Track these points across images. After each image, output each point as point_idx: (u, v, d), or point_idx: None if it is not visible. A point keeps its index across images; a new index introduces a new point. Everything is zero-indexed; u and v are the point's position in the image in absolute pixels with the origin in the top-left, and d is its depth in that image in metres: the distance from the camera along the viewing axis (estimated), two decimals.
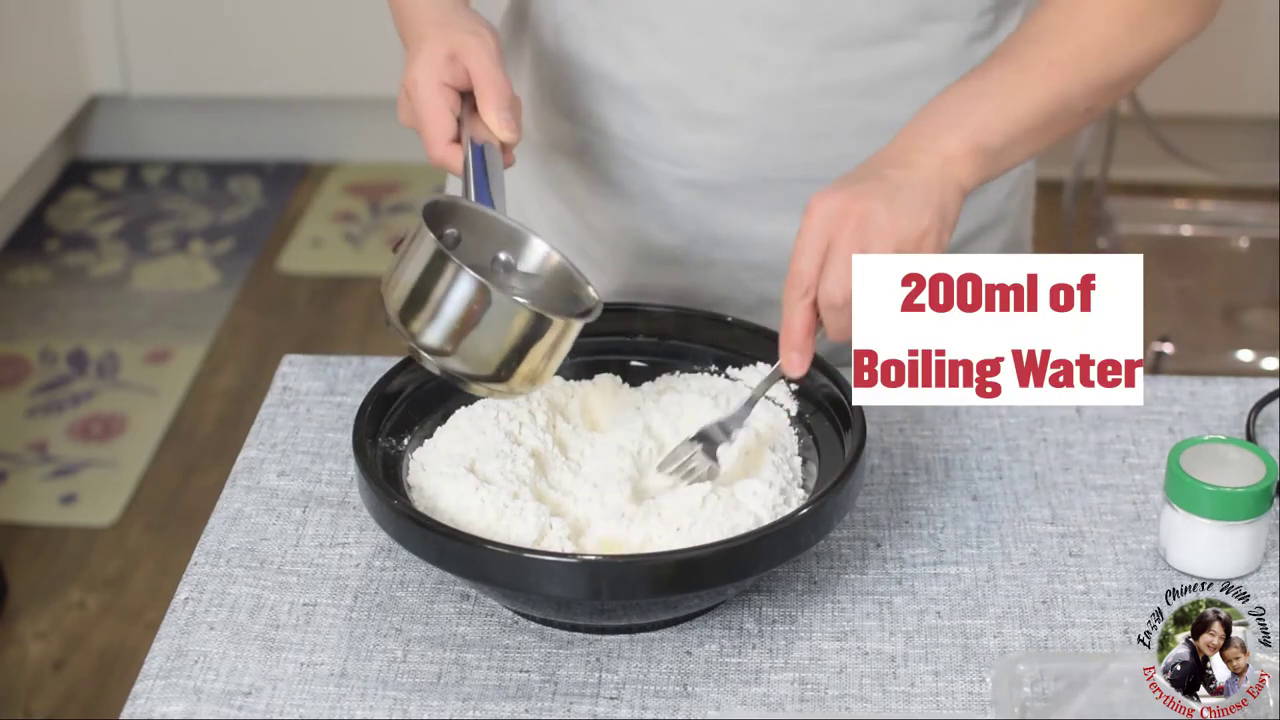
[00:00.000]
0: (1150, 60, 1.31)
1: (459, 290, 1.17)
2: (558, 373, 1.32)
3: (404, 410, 1.27)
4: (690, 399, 1.30)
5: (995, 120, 1.25)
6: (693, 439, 1.24)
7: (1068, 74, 1.27)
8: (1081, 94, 1.28)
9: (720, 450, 1.23)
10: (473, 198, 1.24)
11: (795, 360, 1.21)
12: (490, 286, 1.17)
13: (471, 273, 1.17)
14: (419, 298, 1.18)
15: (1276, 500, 1.24)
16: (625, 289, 1.48)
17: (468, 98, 1.29)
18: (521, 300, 1.19)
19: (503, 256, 1.25)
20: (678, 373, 1.34)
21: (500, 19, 1.53)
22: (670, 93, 1.39)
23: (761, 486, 1.21)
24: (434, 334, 1.18)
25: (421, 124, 1.28)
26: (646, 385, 1.33)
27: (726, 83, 1.37)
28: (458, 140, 1.27)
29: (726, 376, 1.33)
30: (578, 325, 1.21)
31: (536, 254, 1.26)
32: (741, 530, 1.17)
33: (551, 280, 1.25)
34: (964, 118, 1.25)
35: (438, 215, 1.22)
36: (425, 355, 1.19)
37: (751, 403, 1.25)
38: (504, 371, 1.19)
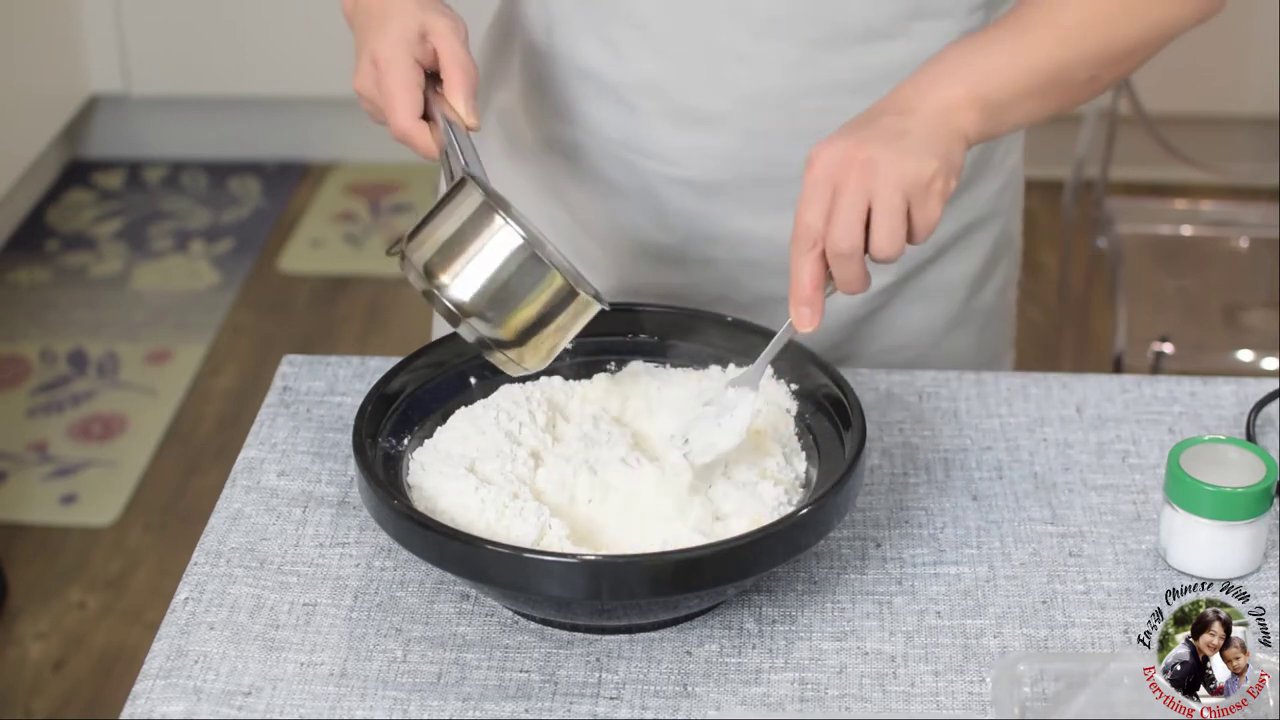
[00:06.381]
0: (1155, 37, 1.30)
1: (502, 246, 1.19)
2: (558, 373, 1.32)
3: (404, 410, 1.27)
4: (689, 399, 1.30)
5: (997, 74, 1.24)
6: (706, 404, 1.23)
7: (1068, 39, 1.27)
8: (1083, 62, 1.28)
9: (734, 414, 1.22)
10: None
11: (806, 315, 1.19)
12: (533, 247, 1.19)
13: (519, 229, 1.19)
14: (455, 250, 1.20)
15: (1276, 500, 1.24)
16: (622, 288, 1.47)
17: (430, 78, 1.29)
18: (556, 268, 1.20)
19: None
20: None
21: (490, 19, 1.53)
22: (658, 91, 1.39)
23: (766, 485, 1.21)
24: (463, 288, 1.20)
25: (389, 96, 1.28)
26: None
27: (714, 81, 1.37)
28: (423, 117, 1.27)
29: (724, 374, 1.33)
30: (595, 308, 1.23)
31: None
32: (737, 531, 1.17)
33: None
34: (966, 69, 1.24)
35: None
36: (446, 302, 1.20)
37: (762, 364, 1.23)
38: (522, 336, 1.21)
